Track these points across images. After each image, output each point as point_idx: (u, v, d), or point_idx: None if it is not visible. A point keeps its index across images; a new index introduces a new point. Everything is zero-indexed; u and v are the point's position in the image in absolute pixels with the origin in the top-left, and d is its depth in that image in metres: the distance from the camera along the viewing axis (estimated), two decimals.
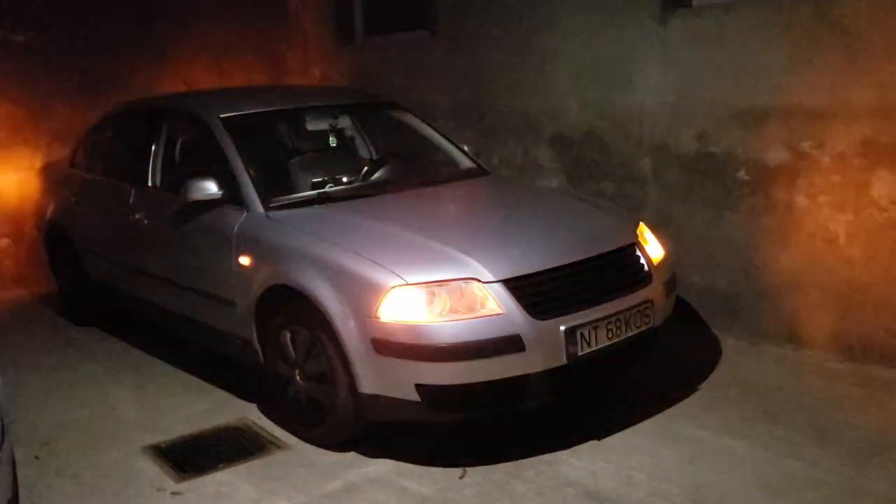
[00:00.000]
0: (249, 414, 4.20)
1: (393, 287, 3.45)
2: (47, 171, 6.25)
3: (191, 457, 3.78)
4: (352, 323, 3.50)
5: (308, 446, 3.82)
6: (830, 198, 4.38)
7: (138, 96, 6.02)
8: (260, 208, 4.16)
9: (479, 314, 3.43)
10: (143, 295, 5.00)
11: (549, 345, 3.47)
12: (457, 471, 3.51)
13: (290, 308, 3.83)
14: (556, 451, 3.63)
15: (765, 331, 4.78)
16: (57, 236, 5.84)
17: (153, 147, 4.96)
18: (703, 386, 4.26)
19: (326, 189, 4.49)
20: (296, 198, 4.35)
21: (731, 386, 4.23)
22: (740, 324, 4.89)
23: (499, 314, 3.44)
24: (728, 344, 4.81)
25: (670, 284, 4.15)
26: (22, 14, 6.66)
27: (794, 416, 3.86)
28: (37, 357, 5.19)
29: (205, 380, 4.66)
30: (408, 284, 3.45)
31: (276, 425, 4.04)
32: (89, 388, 4.68)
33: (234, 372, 4.56)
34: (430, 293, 3.45)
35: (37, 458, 3.84)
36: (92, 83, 6.90)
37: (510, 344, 3.41)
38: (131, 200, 4.97)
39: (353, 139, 5.46)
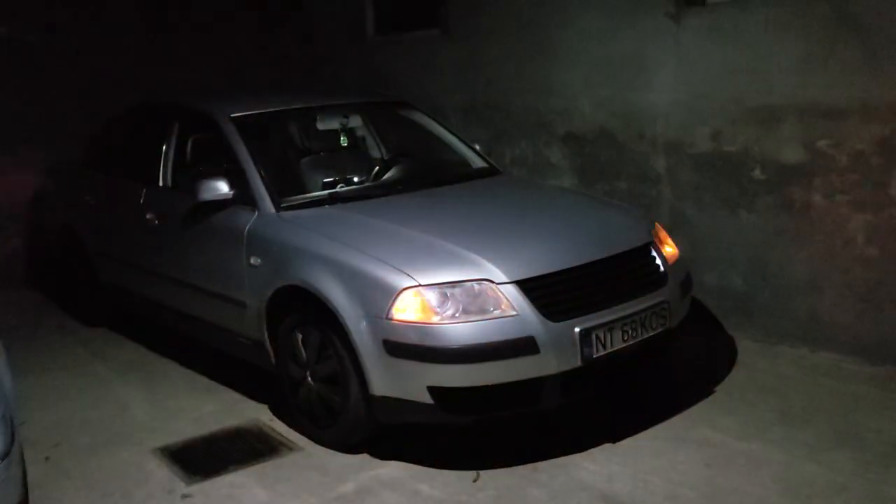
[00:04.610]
0: (260, 416, 4.18)
1: (405, 288, 3.42)
2: (57, 171, 6.25)
3: (201, 459, 3.76)
4: (363, 324, 3.47)
5: (319, 448, 3.79)
6: (848, 197, 4.33)
7: (149, 95, 6.01)
8: (271, 208, 4.14)
9: (492, 316, 3.39)
10: (153, 295, 4.98)
11: (563, 347, 3.43)
12: (470, 474, 3.48)
13: (302, 309, 3.81)
14: (570, 454, 3.59)
15: (781, 332, 4.73)
16: (67, 236, 5.84)
17: (164, 147, 4.95)
18: (719, 388, 4.21)
19: (338, 189, 4.47)
20: (307, 198, 4.32)
21: (748, 388, 4.19)
22: (756, 325, 4.84)
23: (512, 316, 3.40)
24: (744, 345, 4.76)
25: (686, 285, 4.10)
26: (33, 14, 6.67)
27: (811, 419, 3.81)
28: (46, 358, 5.19)
29: (215, 381, 4.65)
30: (420, 285, 3.42)
31: (287, 427, 4.02)
32: (99, 389, 4.67)
33: (244, 373, 4.54)
34: (443, 294, 3.42)
35: (47, 459, 3.83)
36: (102, 82, 6.91)
37: (524, 346, 3.37)
38: (142, 200, 4.95)
39: (364, 139, 5.44)
